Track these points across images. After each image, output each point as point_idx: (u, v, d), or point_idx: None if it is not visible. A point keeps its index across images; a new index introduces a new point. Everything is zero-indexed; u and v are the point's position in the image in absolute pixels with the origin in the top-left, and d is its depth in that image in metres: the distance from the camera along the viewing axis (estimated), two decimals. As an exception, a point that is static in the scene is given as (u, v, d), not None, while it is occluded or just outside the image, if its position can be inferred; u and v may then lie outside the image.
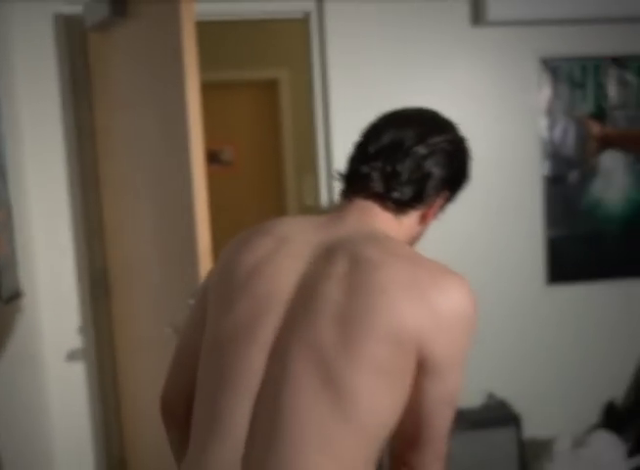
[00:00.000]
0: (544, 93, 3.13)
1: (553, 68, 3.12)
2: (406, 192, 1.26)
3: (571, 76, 3.15)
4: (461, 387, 1.18)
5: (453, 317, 1.14)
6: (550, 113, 3.13)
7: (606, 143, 2.29)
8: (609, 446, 3.10)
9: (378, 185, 1.26)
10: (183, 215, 2.19)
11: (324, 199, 3.04)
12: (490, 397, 3.19)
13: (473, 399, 3.16)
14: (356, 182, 1.29)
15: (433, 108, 1.37)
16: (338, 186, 1.36)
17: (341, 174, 1.34)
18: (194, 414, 1.22)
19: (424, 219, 1.32)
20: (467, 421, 2.99)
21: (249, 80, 4.77)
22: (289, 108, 4.70)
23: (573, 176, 3.19)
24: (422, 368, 1.13)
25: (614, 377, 3.29)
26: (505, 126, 3.12)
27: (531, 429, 3.17)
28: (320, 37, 2.97)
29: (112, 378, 3.00)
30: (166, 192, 2.32)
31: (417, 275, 1.14)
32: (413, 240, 1.37)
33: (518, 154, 3.13)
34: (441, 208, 1.35)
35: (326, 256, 1.18)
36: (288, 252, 1.21)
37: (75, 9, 2.74)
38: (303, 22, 3.01)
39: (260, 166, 5.00)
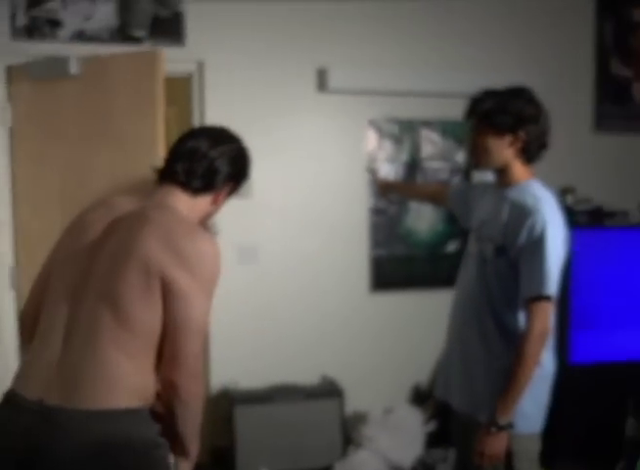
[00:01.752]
0: (371, 146, 4.10)
1: (378, 127, 4.10)
2: (199, 182, 1.85)
3: (392, 134, 4.13)
4: (207, 320, 1.70)
5: (194, 258, 1.67)
6: (375, 160, 4.10)
7: (385, 189, 3.23)
8: (410, 415, 4.03)
9: (181, 177, 1.84)
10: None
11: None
12: (323, 377, 4.07)
13: (309, 378, 4.01)
14: (168, 174, 1.87)
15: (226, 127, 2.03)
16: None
17: (156, 168, 1.91)
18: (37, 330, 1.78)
19: (215, 202, 1.92)
20: (302, 394, 3.85)
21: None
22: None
23: (392, 210, 4.16)
24: (169, 293, 1.64)
25: (420, 365, 4.17)
26: (342, 169, 4.03)
27: (354, 403, 4.04)
28: (200, 93, 3.83)
29: None
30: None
31: (175, 229, 1.71)
32: (207, 215, 1.95)
33: (350, 191, 4.05)
34: (228, 195, 1.96)
35: (130, 217, 1.78)
36: (109, 214, 1.82)
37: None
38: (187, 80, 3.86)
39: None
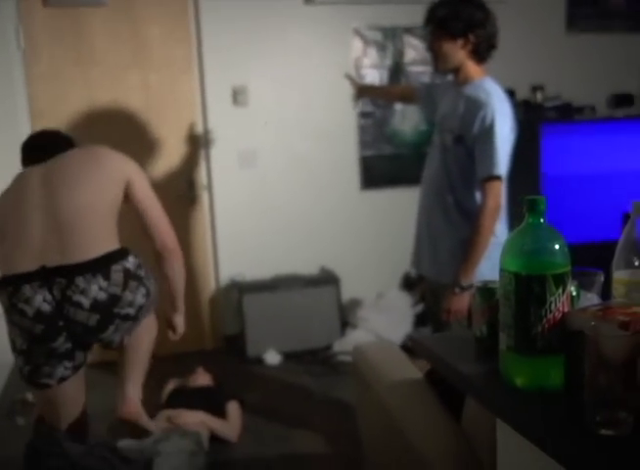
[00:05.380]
0: (356, 53, 4.41)
1: (362, 35, 4.40)
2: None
3: (376, 41, 4.44)
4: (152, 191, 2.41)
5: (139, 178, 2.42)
6: (361, 67, 4.42)
7: (360, 93, 3.58)
8: (400, 299, 4.50)
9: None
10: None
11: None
12: (322, 268, 4.53)
13: (309, 269, 4.47)
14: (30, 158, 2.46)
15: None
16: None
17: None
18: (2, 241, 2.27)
19: None
20: (303, 282, 4.31)
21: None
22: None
23: (379, 113, 4.51)
24: (130, 184, 2.36)
25: (409, 254, 4.64)
26: (330, 76, 4.32)
27: (349, 290, 4.50)
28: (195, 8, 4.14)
29: None
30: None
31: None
32: None
33: (340, 96, 4.36)
34: None
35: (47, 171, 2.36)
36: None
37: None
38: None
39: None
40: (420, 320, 4.41)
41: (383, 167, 4.57)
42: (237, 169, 4.28)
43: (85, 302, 2.16)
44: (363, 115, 4.47)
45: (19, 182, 2.40)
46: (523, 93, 4.23)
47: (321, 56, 4.36)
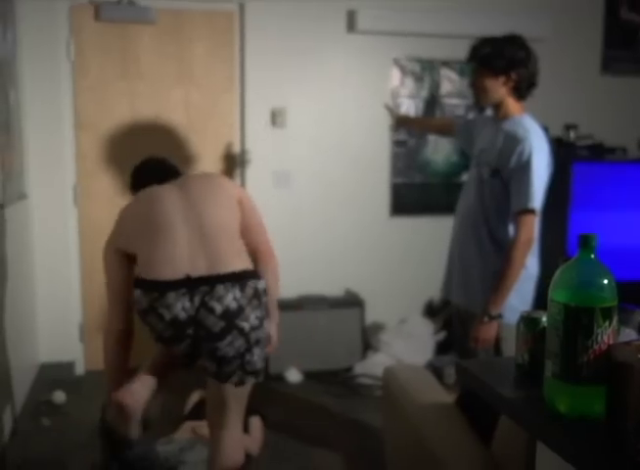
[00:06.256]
0: (394, 83, 4.51)
1: (401, 65, 4.50)
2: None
3: (414, 72, 4.54)
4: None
5: (246, 196, 2.70)
6: (397, 96, 4.52)
7: (400, 123, 3.68)
8: (422, 326, 4.56)
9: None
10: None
11: (238, 146, 4.35)
12: (347, 290, 4.60)
13: (334, 291, 4.55)
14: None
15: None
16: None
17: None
18: (153, 249, 2.43)
19: None
20: (328, 303, 4.39)
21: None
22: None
23: (412, 142, 4.60)
24: (242, 205, 2.59)
25: (433, 282, 4.61)
26: (367, 104, 4.47)
27: (373, 314, 4.57)
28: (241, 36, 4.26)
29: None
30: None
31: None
32: None
33: (375, 124, 4.49)
34: None
35: (181, 190, 2.56)
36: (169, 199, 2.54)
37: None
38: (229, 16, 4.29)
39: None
40: (441, 348, 4.46)
41: (412, 195, 4.65)
42: (271, 189, 4.38)
43: (218, 308, 2.31)
44: (397, 143, 4.56)
45: (150, 195, 2.56)
46: (556, 131, 4.30)
47: (360, 83, 4.46)
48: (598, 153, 4.33)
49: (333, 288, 4.55)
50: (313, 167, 4.46)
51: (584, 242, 1.21)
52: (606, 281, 1.20)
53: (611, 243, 4.25)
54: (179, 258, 2.37)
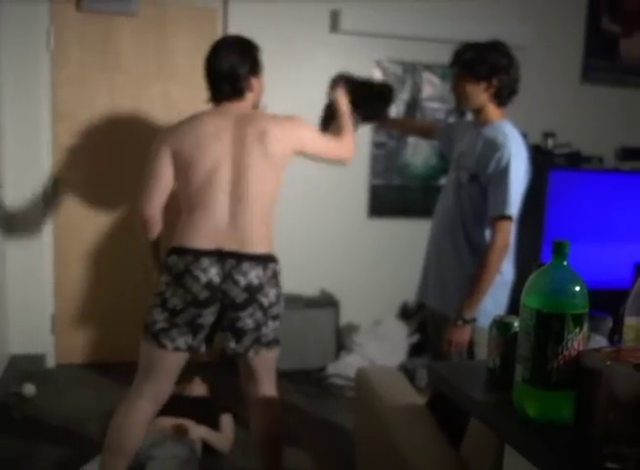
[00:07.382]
0: (376, 85, 4.51)
1: (383, 67, 4.51)
2: (243, 90, 2.67)
3: (396, 75, 4.55)
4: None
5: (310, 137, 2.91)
6: (379, 98, 4.53)
7: (380, 124, 3.69)
8: (397, 328, 4.57)
9: (232, 94, 2.66)
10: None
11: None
12: (322, 291, 4.60)
13: (309, 291, 4.55)
14: (220, 94, 2.67)
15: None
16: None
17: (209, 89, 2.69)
18: (190, 213, 2.56)
19: (255, 94, 2.75)
20: (303, 303, 4.38)
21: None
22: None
23: (392, 144, 4.61)
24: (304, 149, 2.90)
25: (409, 285, 4.62)
26: (348, 105, 4.47)
27: (347, 315, 4.58)
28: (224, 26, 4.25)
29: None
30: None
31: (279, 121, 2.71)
32: (256, 104, 2.79)
33: (355, 125, 4.50)
34: (262, 85, 2.80)
35: (237, 125, 2.59)
36: (217, 129, 2.60)
37: None
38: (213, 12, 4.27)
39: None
40: (414, 350, 4.48)
41: (391, 197, 4.66)
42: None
43: (243, 281, 2.51)
44: (376, 144, 4.57)
45: (209, 125, 2.63)
46: (534, 138, 4.33)
47: (341, 84, 4.45)
48: (575, 161, 4.37)
49: (308, 288, 4.55)
50: (292, 167, 4.43)
51: (558, 249, 1.22)
52: (578, 288, 1.21)
53: (584, 250, 4.32)
54: (214, 232, 2.53)
